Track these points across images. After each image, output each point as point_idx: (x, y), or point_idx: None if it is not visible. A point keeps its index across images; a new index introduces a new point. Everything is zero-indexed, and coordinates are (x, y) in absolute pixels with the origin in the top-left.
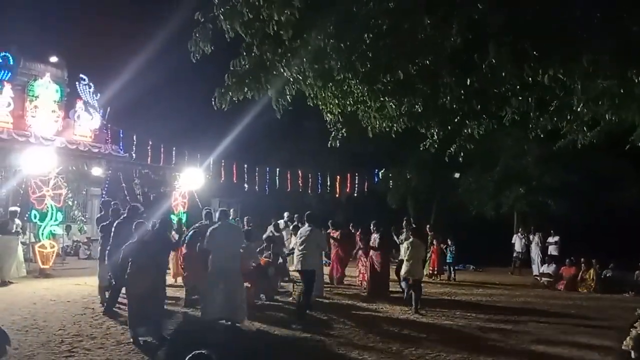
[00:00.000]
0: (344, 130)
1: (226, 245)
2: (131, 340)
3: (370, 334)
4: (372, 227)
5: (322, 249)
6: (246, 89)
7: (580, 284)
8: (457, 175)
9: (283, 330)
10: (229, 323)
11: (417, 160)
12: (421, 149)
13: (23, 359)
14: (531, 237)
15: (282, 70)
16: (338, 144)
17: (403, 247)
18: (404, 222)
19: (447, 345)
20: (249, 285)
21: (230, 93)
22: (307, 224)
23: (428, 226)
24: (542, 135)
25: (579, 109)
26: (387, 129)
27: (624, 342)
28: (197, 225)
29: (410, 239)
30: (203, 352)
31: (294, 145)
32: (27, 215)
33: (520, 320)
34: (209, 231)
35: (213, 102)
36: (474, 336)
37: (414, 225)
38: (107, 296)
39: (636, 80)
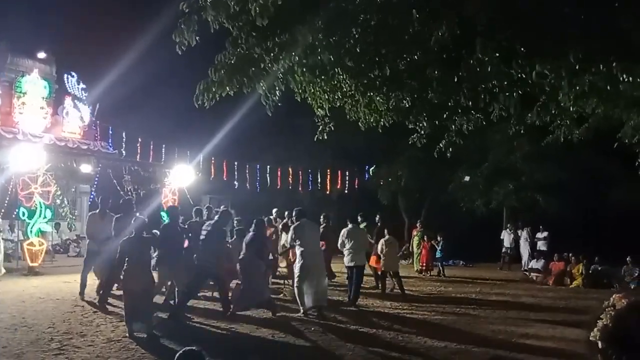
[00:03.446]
0: (332, 124)
1: (313, 241)
2: (121, 337)
3: (361, 329)
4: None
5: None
6: (236, 83)
7: (568, 279)
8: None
9: (273, 327)
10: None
11: (408, 157)
12: (409, 142)
13: (12, 357)
14: (520, 232)
15: (269, 64)
16: (326, 137)
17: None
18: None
19: (436, 340)
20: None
21: (214, 89)
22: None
23: (419, 221)
24: (522, 132)
25: (565, 105)
26: (374, 124)
27: (592, 333)
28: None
29: (387, 237)
30: (194, 348)
31: (285, 142)
32: (15, 212)
33: (509, 315)
34: (294, 228)
35: (194, 101)
36: (463, 331)
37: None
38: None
39: (621, 78)
